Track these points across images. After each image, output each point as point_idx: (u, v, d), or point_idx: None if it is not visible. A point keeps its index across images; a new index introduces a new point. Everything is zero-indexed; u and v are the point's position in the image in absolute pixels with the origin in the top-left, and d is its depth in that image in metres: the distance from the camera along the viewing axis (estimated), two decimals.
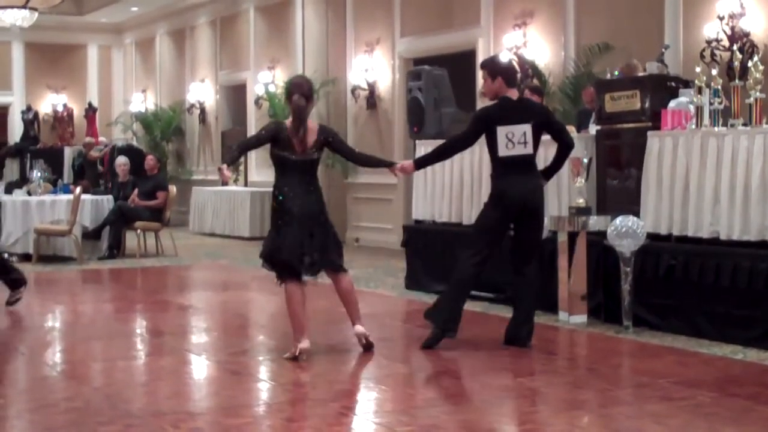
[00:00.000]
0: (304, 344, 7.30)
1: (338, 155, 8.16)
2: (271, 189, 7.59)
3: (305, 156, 7.42)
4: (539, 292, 8.17)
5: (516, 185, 7.70)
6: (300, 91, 7.44)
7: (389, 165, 8.08)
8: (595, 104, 10.52)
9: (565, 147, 8.08)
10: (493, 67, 8.00)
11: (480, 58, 14.16)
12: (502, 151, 7.70)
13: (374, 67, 16.67)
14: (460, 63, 14.17)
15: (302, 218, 7.32)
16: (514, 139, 7.70)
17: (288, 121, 7.49)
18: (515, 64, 8.20)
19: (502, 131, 7.70)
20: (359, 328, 7.59)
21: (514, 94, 7.88)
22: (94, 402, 6.27)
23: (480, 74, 13.75)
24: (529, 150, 7.76)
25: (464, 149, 8.42)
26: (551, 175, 8.25)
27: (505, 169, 7.74)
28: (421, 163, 8.42)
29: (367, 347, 7.57)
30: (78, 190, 14.43)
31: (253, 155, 19.61)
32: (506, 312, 8.38)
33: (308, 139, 7.41)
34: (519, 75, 8.09)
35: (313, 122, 7.56)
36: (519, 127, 7.71)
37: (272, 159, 7.54)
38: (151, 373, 7.36)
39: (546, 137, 8.10)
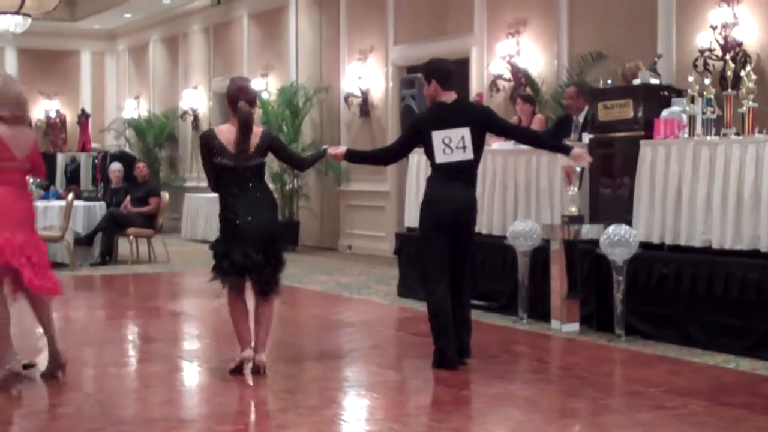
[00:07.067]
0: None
1: (281, 159, 7.86)
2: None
3: (248, 162, 7.07)
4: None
5: (448, 193, 7.31)
6: (246, 96, 7.09)
7: (323, 154, 7.72)
8: (574, 104, 10.57)
9: (526, 139, 8.07)
10: (426, 69, 7.56)
11: (474, 66, 14.23)
12: (440, 158, 7.31)
13: (367, 75, 16.66)
14: None
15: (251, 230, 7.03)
16: (452, 144, 7.29)
17: (221, 128, 7.19)
18: (451, 65, 7.69)
19: (437, 136, 7.28)
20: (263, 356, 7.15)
21: (450, 96, 7.45)
22: (86, 408, 6.26)
23: (473, 83, 14.05)
24: (469, 155, 7.32)
25: (396, 159, 8.22)
26: (560, 148, 7.96)
27: (442, 177, 7.36)
28: (353, 156, 8.01)
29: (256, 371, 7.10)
30: (70, 196, 14.42)
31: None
32: (499, 320, 8.36)
33: (252, 145, 7.07)
34: (454, 76, 7.55)
35: (256, 127, 7.15)
36: (456, 132, 7.31)
37: (210, 168, 7.10)
38: (143, 380, 7.35)
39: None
